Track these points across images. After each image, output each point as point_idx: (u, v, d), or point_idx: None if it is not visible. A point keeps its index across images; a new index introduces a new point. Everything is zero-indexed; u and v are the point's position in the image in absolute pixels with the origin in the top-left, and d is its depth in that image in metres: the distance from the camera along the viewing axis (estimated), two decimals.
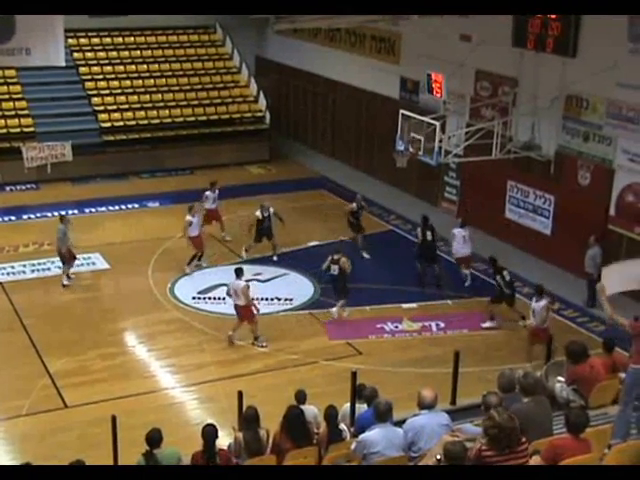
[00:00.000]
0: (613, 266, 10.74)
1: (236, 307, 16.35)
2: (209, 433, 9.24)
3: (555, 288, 18.63)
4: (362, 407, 10.60)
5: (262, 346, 16.27)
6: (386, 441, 8.47)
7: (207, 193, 20.98)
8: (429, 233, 19.31)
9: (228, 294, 16.46)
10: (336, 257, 17.47)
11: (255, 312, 16.38)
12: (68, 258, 18.87)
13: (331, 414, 9.90)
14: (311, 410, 10.49)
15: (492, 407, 7.90)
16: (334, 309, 17.55)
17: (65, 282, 18.89)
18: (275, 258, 20.43)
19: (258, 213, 20.05)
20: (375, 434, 8.53)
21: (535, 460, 7.40)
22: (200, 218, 19.66)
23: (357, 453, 8.57)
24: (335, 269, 17.42)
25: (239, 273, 16.22)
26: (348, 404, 11.25)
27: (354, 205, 21.11)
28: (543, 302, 15.32)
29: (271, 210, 20.19)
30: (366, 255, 20.79)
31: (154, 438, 9.16)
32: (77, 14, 15.62)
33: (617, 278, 10.07)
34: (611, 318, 9.27)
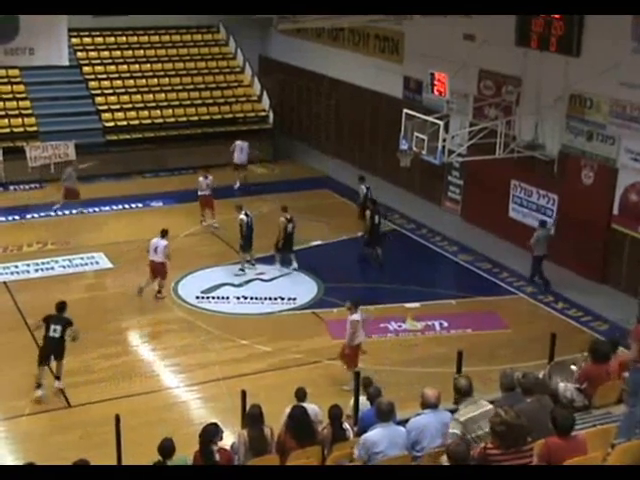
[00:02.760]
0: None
1: (152, 263, 17.93)
2: (205, 432, 9.19)
3: (558, 287, 18.67)
4: (366, 403, 10.59)
5: (162, 297, 18.01)
6: (388, 441, 8.46)
7: (200, 179, 22.43)
8: (377, 217, 20.05)
9: (147, 251, 18.02)
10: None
11: (167, 271, 18.05)
12: None
13: (335, 414, 9.86)
14: (312, 409, 10.46)
15: (463, 391, 8.23)
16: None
17: None
18: (246, 269, 19.57)
19: (243, 216, 19.43)
20: (377, 434, 8.52)
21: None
22: None
23: (360, 454, 8.56)
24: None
25: (165, 234, 18.07)
26: (362, 398, 11.18)
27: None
28: (353, 316, 14.04)
29: (250, 215, 19.60)
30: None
31: (167, 448, 9.03)
32: (80, 14, 15.64)
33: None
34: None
